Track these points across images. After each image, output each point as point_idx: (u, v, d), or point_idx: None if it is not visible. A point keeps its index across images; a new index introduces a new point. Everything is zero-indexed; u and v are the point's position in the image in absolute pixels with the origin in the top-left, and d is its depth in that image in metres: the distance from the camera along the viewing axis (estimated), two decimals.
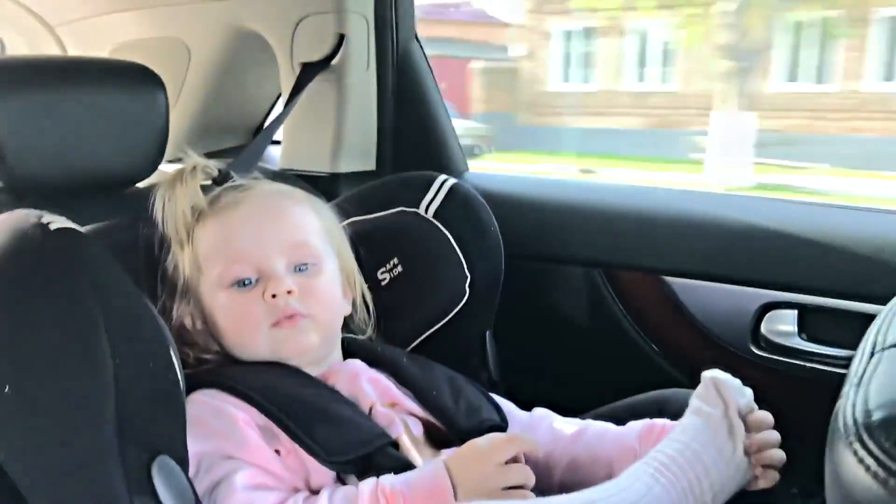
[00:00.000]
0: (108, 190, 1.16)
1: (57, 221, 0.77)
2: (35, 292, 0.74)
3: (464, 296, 1.16)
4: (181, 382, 0.80)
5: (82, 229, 0.79)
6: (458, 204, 1.18)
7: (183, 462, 0.80)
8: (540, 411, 1.08)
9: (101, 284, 0.75)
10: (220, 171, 1.03)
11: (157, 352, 0.77)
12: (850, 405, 0.43)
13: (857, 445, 0.41)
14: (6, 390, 0.73)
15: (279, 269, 0.95)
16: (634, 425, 1.00)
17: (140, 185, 1.22)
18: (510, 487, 0.83)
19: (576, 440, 1.02)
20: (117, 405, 0.73)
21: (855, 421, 0.42)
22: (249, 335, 0.95)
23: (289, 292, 0.94)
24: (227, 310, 0.95)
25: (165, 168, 1.21)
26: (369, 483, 0.83)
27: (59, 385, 0.72)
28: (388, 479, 0.83)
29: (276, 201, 1.02)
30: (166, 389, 0.78)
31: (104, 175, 1.13)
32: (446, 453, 0.94)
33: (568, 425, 1.05)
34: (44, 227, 0.76)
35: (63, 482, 0.74)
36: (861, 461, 0.40)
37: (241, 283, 0.95)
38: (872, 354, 0.48)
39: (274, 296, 0.94)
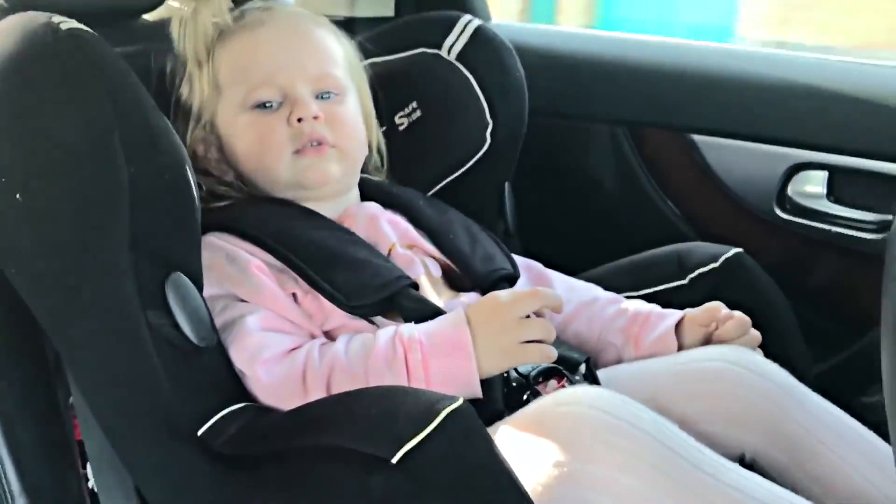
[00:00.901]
0: (116, 17, 1.11)
1: (68, 22, 0.73)
2: (47, 95, 0.70)
3: (484, 144, 1.13)
4: (197, 201, 0.78)
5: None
6: (482, 46, 1.13)
7: (197, 282, 0.79)
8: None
9: (115, 88, 0.71)
10: None
11: (174, 165, 0.75)
12: None
13: None
14: (17, 197, 0.71)
15: (305, 93, 0.92)
16: (624, 313, 0.99)
17: (149, 17, 1.17)
18: (530, 342, 0.80)
19: (576, 310, 1.01)
20: (132, 214, 0.71)
21: None
22: (272, 159, 0.91)
23: (315, 118, 0.91)
24: (249, 132, 0.92)
25: (174, 3, 1.16)
26: (388, 330, 0.81)
27: (72, 189, 0.70)
28: (407, 328, 0.81)
29: (302, 24, 0.98)
30: (182, 205, 0.76)
31: (118, 3, 1.08)
32: (465, 296, 0.93)
33: (575, 292, 1.03)
34: (55, 27, 0.72)
35: (75, 290, 0.72)
36: None
37: (265, 105, 0.92)
38: None
39: (300, 120, 0.90)
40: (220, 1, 0.96)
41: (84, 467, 0.87)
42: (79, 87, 0.70)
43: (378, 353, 0.79)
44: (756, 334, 0.92)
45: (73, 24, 0.74)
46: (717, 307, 0.94)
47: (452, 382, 0.77)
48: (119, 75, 0.73)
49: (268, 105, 0.92)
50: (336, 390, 0.78)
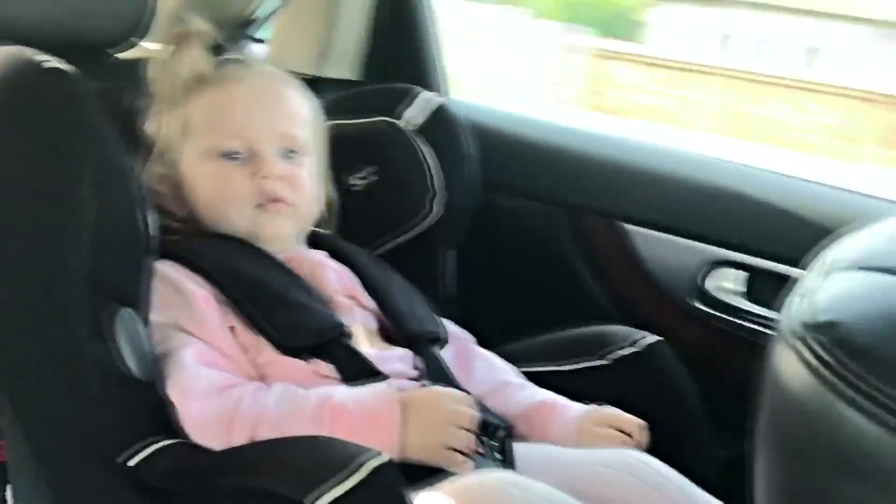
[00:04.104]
0: (88, 51, 1.14)
1: (50, 61, 0.77)
2: (25, 127, 0.75)
3: (432, 213, 1.19)
4: (153, 243, 0.81)
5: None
6: (441, 123, 1.20)
7: (145, 320, 0.82)
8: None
9: (90, 126, 0.76)
10: (218, 42, 1.03)
11: (137, 206, 0.79)
12: (794, 312, 0.46)
13: (798, 345, 0.44)
14: None
15: (272, 151, 0.97)
16: (529, 401, 1.03)
17: (123, 56, 1.21)
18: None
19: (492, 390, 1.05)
20: (93, 249, 0.74)
21: (802, 323, 0.45)
22: (232, 210, 0.96)
23: (278, 177, 0.95)
24: (213, 180, 0.96)
25: (147, 45, 1.19)
26: (319, 392, 0.84)
27: (40, 216, 0.73)
28: (339, 394, 0.84)
29: (277, 84, 1.03)
30: (140, 245, 0.80)
31: (85, 35, 1.12)
32: (396, 349, 0.98)
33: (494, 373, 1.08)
34: (37, 64, 0.76)
35: (26, 319, 0.75)
36: (801, 358, 0.44)
37: (231, 157, 0.96)
38: (825, 273, 0.51)
39: (264, 177, 0.95)
40: (201, 49, 1.00)
41: (4, 489, 0.88)
42: (57, 122, 0.74)
43: (306, 415, 0.81)
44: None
45: (55, 62, 0.78)
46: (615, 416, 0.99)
47: None
48: (95, 115, 0.77)
49: (234, 156, 0.96)
50: (259, 439, 0.80)
